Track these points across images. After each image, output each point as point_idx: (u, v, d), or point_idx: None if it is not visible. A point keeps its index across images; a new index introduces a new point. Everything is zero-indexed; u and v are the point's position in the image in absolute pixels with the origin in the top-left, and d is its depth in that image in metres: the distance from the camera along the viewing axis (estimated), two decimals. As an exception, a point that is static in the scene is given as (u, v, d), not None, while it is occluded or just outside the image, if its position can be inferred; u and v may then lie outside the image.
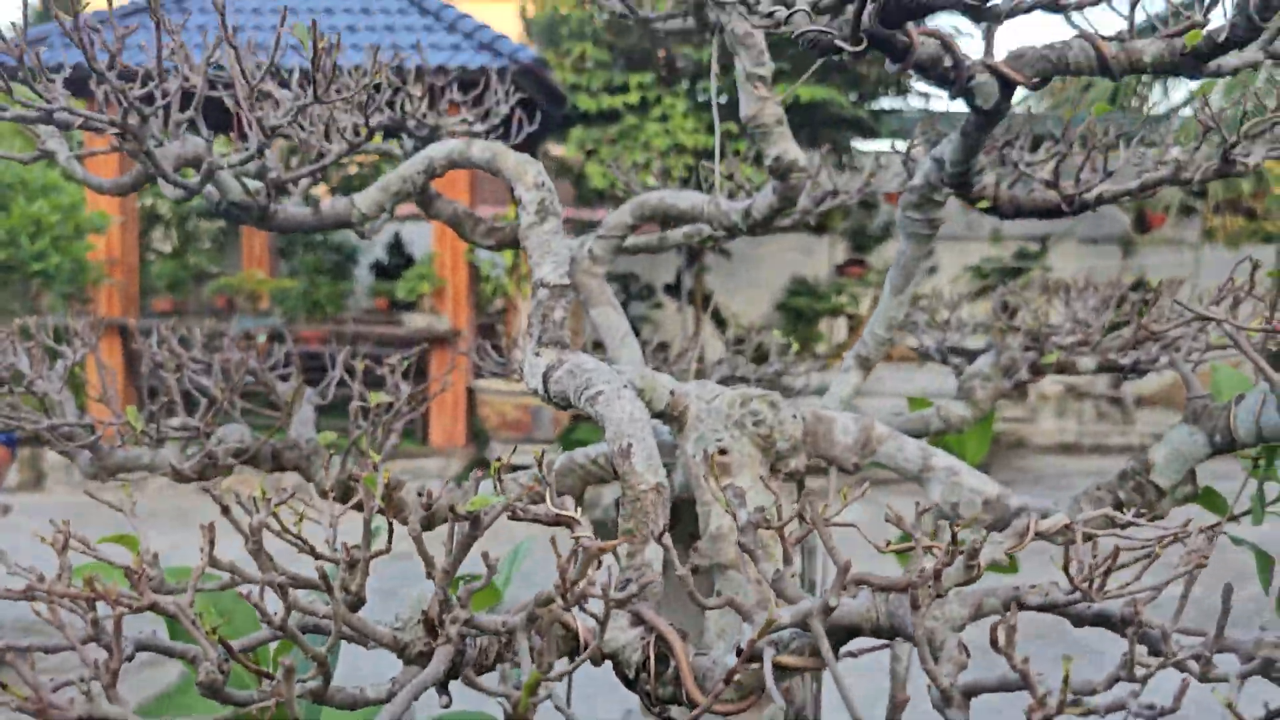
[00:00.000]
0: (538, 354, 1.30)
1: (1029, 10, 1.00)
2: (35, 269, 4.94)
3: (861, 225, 15.09)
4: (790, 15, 1.06)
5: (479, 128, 1.87)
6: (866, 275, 14.51)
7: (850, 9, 1.04)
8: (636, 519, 1.14)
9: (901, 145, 1.88)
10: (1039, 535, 0.90)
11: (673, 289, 14.40)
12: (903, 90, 12.92)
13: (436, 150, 1.35)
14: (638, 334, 2.19)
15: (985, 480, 1.38)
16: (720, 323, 15.46)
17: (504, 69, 9.68)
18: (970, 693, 0.79)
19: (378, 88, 1.40)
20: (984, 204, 1.77)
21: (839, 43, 1.05)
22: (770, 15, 1.09)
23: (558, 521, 1.07)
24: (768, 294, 14.63)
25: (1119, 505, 1.36)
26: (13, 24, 1.20)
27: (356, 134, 1.32)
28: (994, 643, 0.77)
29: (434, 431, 10.67)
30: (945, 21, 12.52)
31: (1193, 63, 1.10)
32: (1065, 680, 0.69)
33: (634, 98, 11.06)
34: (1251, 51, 1.20)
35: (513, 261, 10.73)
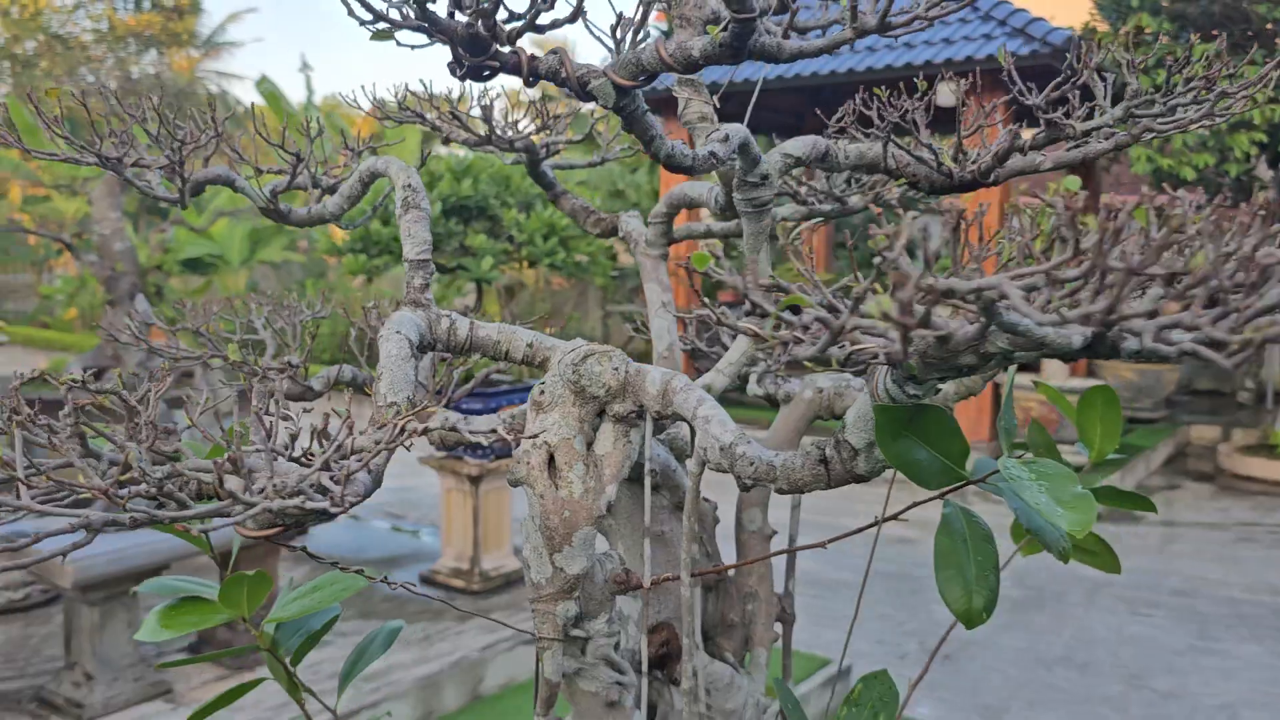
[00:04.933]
0: (395, 307, 1.78)
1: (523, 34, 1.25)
2: (546, 262, 6.24)
3: None
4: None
5: (556, 138, 2.33)
6: None
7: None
8: (379, 424, 1.58)
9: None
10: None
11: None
12: None
13: (364, 165, 1.87)
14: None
15: (725, 429, 1.55)
16: None
17: (1035, 51, 9.42)
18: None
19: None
20: (903, 182, 1.83)
21: (457, 75, 1.38)
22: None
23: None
24: None
25: (823, 460, 1.46)
26: None
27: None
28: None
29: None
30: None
31: (730, 52, 1.26)
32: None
33: (1197, 70, 9.98)
34: (842, 32, 1.28)
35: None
